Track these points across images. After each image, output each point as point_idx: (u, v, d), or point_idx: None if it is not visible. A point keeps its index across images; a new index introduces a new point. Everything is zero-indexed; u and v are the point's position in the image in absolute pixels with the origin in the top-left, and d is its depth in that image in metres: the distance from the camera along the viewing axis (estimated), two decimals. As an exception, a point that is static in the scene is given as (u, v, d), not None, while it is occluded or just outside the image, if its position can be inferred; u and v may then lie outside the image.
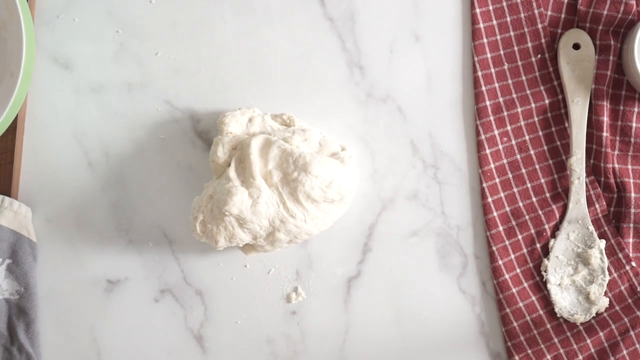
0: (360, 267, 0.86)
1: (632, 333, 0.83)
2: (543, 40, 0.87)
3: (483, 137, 0.86)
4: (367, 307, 0.86)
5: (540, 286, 0.85)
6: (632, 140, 0.86)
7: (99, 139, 0.87)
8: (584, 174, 0.85)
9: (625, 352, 0.83)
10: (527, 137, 0.87)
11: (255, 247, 0.82)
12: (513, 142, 0.87)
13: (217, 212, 0.78)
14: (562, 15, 0.88)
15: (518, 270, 0.85)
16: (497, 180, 0.86)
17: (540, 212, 0.86)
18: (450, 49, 0.88)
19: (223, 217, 0.77)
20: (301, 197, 0.78)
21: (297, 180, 0.78)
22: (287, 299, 0.86)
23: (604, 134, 0.85)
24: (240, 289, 0.86)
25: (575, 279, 0.85)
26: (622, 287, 0.85)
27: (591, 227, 0.85)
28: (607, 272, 0.85)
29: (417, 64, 0.88)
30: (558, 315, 0.84)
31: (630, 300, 0.85)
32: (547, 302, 0.85)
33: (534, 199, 0.86)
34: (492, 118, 0.87)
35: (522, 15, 0.87)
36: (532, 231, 0.86)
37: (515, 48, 0.87)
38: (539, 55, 0.87)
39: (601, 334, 0.84)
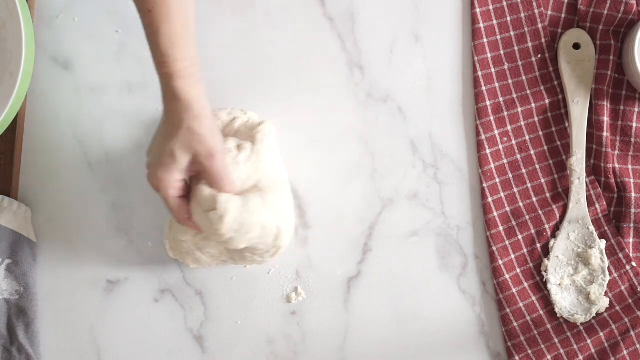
0: (360, 267, 0.86)
1: (632, 333, 0.83)
2: (543, 40, 0.87)
3: (483, 137, 0.86)
4: (367, 307, 0.85)
5: (541, 286, 0.85)
6: (633, 140, 0.86)
7: (99, 139, 0.87)
8: (584, 174, 0.85)
9: (625, 352, 0.83)
10: (527, 137, 0.87)
11: (245, 259, 0.81)
12: (513, 142, 0.87)
13: (178, 241, 0.80)
14: (563, 15, 0.88)
15: (518, 270, 0.85)
16: (497, 180, 0.86)
17: (540, 212, 0.86)
18: (450, 49, 0.88)
19: (182, 244, 0.79)
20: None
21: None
22: (287, 299, 0.85)
23: (605, 134, 0.85)
24: (240, 289, 0.86)
25: (575, 279, 0.85)
26: (623, 287, 0.85)
27: (591, 227, 0.85)
28: (607, 272, 0.84)
29: (417, 64, 0.87)
30: (558, 316, 0.84)
31: (630, 301, 0.85)
32: (547, 302, 0.85)
33: (534, 199, 0.86)
34: (492, 118, 0.87)
35: (522, 15, 0.87)
36: (533, 231, 0.86)
37: (516, 48, 0.87)
38: (539, 55, 0.87)
39: (601, 334, 0.84)
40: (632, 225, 0.85)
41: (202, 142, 0.70)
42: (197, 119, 0.70)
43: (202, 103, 0.71)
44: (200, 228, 0.75)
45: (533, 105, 0.87)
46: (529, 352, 0.84)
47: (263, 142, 0.80)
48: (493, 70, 0.87)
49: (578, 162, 0.85)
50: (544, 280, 0.85)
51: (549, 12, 0.88)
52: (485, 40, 0.87)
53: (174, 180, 0.72)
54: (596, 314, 0.84)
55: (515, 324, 0.84)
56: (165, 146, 0.71)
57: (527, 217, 0.86)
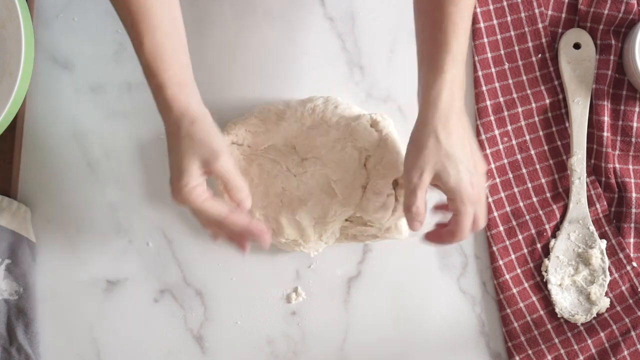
0: (360, 267, 0.86)
1: (633, 333, 0.83)
2: (544, 40, 0.87)
3: (483, 137, 0.86)
4: (367, 307, 0.85)
5: (541, 286, 0.85)
6: (633, 140, 0.86)
7: (99, 139, 0.87)
8: (585, 174, 0.85)
9: (626, 352, 0.83)
10: (527, 137, 0.87)
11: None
12: (513, 142, 0.87)
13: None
14: (563, 15, 0.88)
15: (518, 271, 0.85)
16: (498, 180, 0.86)
17: (540, 212, 0.86)
18: (451, 49, 0.88)
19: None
20: None
21: None
22: (287, 299, 0.85)
23: (605, 133, 0.85)
24: (240, 289, 0.85)
25: (576, 279, 0.85)
26: (623, 288, 0.85)
27: (592, 227, 0.85)
28: (607, 273, 0.84)
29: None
30: (559, 316, 0.84)
31: (631, 301, 0.84)
32: (547, 302, 0.85)
33: (534, 199, 0.86)
34: (492, 118, 0.87)
35: (523, 14, 0.87)
36: (533, 231, 0.86)
37: (516, 47, 0.87)
38: (540, 55, 0.87)
39: (602, 334, 0.84)
40: (632, 225, 0.85)
41: (203, 145, 0.70)
42: (193, 123, 0.70)
43: (195, 106, 0.71)
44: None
45: (533, 105, 0.87)
46: (530, 352, 0.84)
47: (390, 137, 0.82)
48: (493, 70, 0.87)
49: (578, 162, 0.85)
50: (545, 280, 0.85)
51: (549, 12, 0.88)
52: (485, 40, 0.87)
53: (192, 187, 0.71)
54: (597, 314, 0.84)
55: (515, 324, 0.84)
56: (172, 159, 0.71)
57: (528, 217, 0.86)
